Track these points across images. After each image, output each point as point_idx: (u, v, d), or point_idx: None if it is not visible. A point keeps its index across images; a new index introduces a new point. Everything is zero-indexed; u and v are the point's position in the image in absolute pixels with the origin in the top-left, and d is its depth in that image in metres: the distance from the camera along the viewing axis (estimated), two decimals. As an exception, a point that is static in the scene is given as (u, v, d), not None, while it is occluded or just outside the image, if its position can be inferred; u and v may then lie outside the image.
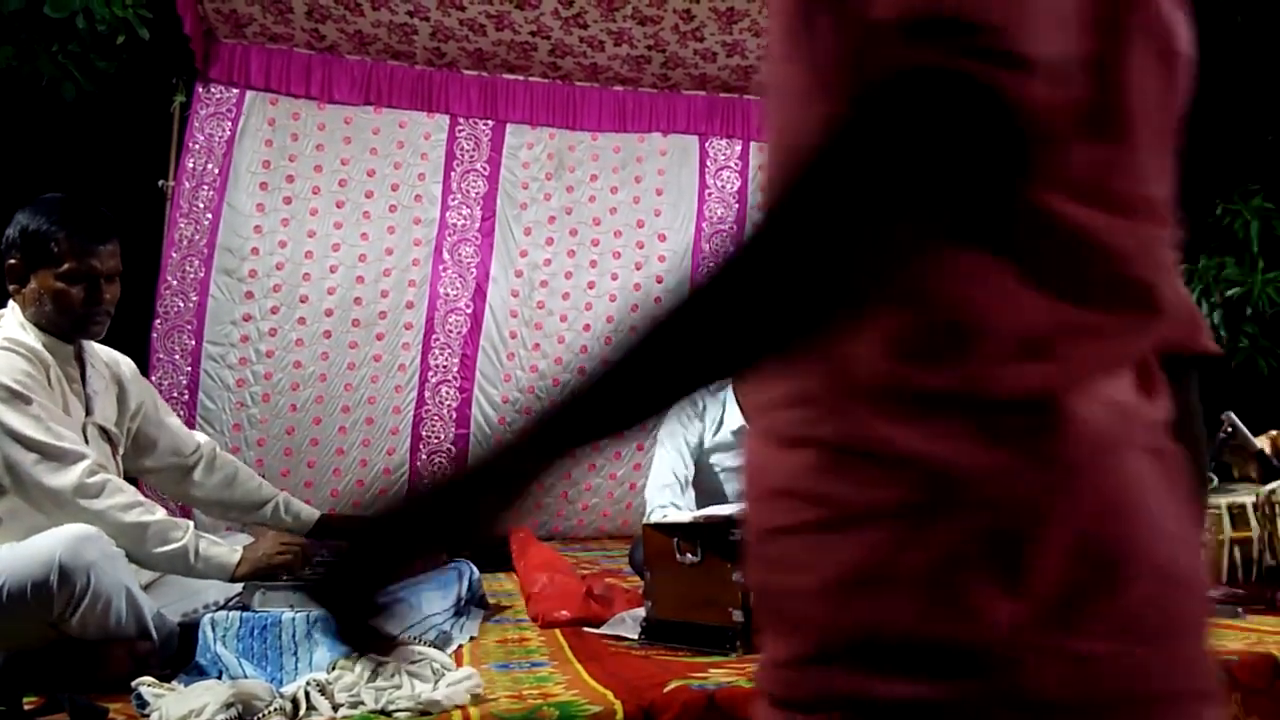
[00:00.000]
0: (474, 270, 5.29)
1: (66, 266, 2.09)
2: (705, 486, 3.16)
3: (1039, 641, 0.50)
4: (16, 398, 1.98)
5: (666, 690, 1.76)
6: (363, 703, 1.68)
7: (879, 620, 0.53)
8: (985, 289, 0.53)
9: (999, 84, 0.45)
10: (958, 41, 0.45)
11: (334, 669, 1.76)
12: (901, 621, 0.52)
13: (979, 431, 0.52)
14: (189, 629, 2.00)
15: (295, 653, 1.90)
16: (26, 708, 1.76)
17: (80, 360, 2.21)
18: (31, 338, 2.09)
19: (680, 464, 3.03)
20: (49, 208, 2.13)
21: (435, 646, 1.91)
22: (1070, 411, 0.53)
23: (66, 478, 1.96)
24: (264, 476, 2.91)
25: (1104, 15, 0.53)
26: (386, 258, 4.71)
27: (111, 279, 2.16)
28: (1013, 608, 0.51)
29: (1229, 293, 5.33)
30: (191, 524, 2.12)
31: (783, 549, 0.59)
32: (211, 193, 4.48)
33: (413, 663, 1.74)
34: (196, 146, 4.45)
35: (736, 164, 5.68)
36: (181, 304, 4.43)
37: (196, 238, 4.46)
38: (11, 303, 2.15)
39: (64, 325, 2.13)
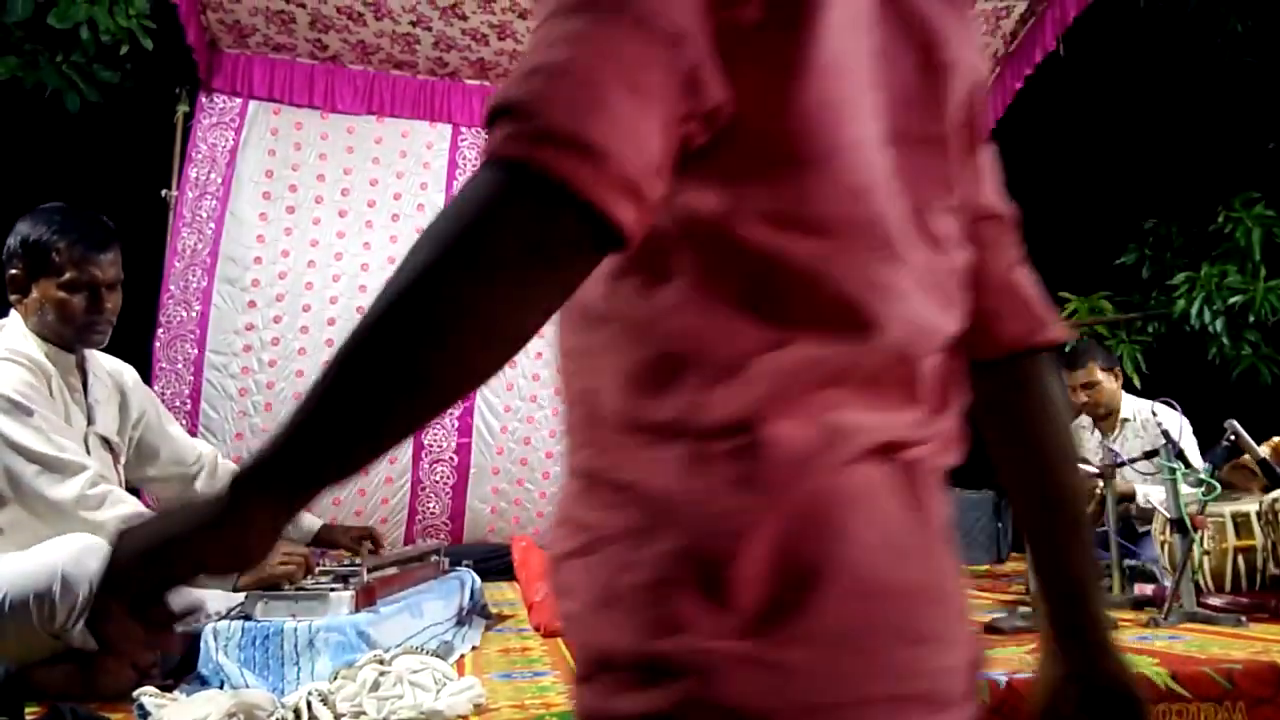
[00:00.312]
0: (476, 279, 5.29)
1: (68, 276, 2.10)
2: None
3: (741, 653, 0.53)
4: (18, 409, 1.98)
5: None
6: (365, 713, 1.68)
7: (612, 639, 0.56)
8: (698, 320, 0.57)
9: (567, 176, 0.49)
10: (523, 129, 0.50)
11: (336, 678, 1.76)
12: (627, 639, 0.56)
13: (691, 458, 0.56)
14: (191, 639, 2.00)
15: (297, 662, 1.90)
16: (29, 717, 1.75)
17: (82, 370, 2.21)
18: (33, 348, 2.10)
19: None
20: (49, 217, 2.13)
21: (437, 656, 1.91)
22: (770, 434, 0.56)
23: (68, 489, 1.96)
24: (266, 486, 2.90)
25: (767, 55, 0.55)
26: (389, 267, 4.68)
27: (113, 287, 2.17)
28: (716, 622, 0.54)
29: (1231, 300, 5.33)
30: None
31: (563, 575, 0.63)
32: (214, 202, 4.49)
33: (415, 672, 1.74)
34: (199, 156, 4.46)
35: (738, 173, 5.70)
36: (184, 313, 4.44)
37: (199, 247, 4.46)
38: (13, 312, 2.15)
39: (66, 334, 2.13)
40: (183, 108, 4.44)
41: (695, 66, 0.53)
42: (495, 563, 3.83)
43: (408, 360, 0.51)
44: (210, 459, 2.45)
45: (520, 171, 0.50)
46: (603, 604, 0.58)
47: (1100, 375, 3.87)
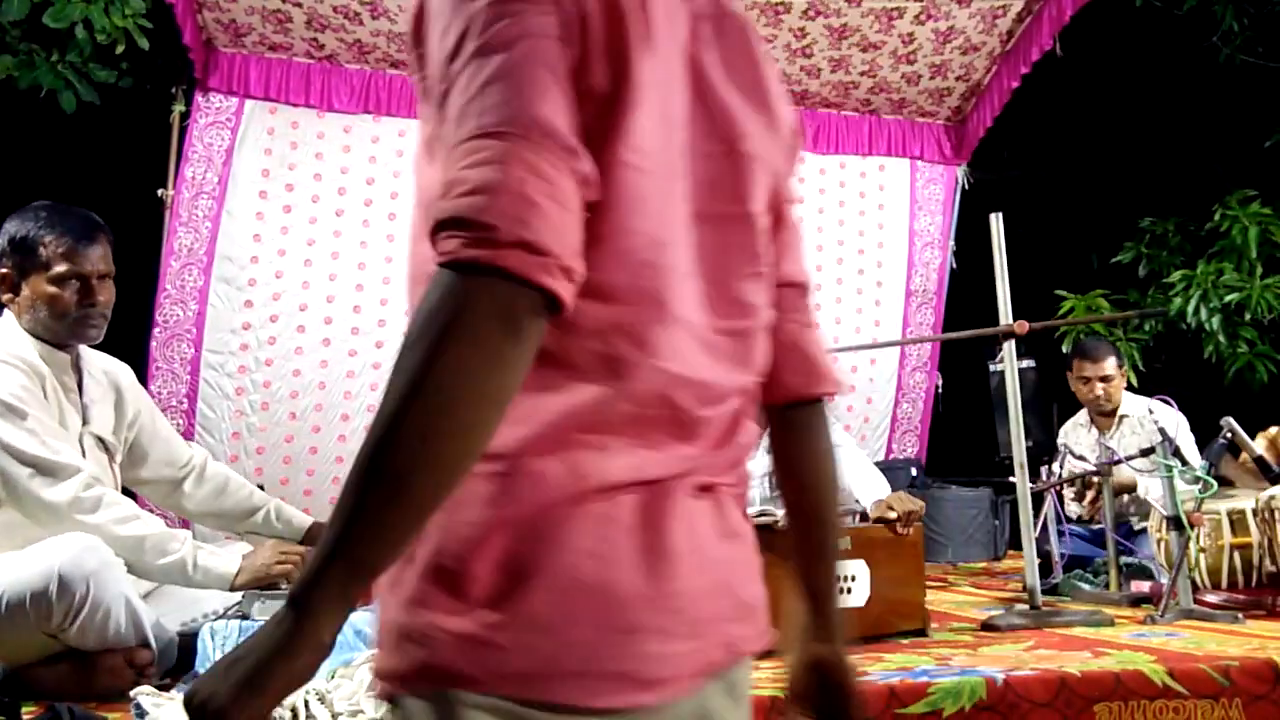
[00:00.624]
0: (473, 278, 5.29)
1: (56, 270, 2.09)
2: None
3: (462, 630, 0.67)
4: (11, 412, 1.97)
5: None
6: (362, 711, 1.68)
7: (387, 614, 0.71)
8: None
9: (519, 270, 0.62)
10: (480, 237, 0.62)
11: (333, 677, 1.76)
12: (392, 614, 0.70)
13: (472, 477, 0.67)
14: (188, 638, 2.00)
15: (295, 661, 1.89)
16: (26, 717, 1.75)
17: (77, 369, 2.21)
18: (27, 349, 2.09)
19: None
20: (34, 214, 2.13)
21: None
22: (524, 466, 0.68)
23: (62, 492, 1.96)
24: (263, 485, 2.89)
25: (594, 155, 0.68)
26: (386, 266, 4.70)
27: (103, 279, 2.16)
28: (451, 605, 0.67)
29: (1227, 298, 5.33)
30: (189, 535, 2.11)
31: None
32: (211, 201, 4.49)
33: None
34: (196, 155, 4.46)
35: (735, 171, 5.69)
36: (181, 312, 4.43)
37: (196, 246, 4.46)
38: (7, 313, 2.14)
39: (60, 330, 2.12)
40: (179, 107, 4.43)
41: (587, 172, 0.67)
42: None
43: (424, 431, 0.62)
44: (200, 463, 2.43)
45: (486, 271, 0.62)
46: (389, 586, 0.70)
47: (1115, 371, 3.91)
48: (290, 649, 0.63)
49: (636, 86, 0.70)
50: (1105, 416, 3.92)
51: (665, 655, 0.70)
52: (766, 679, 1.90)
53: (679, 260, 0.74)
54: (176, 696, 1.75)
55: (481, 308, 0.62)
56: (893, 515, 2.58)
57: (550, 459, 0.69)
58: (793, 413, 0.93)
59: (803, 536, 0.95)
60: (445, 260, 0.63)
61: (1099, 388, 3.86)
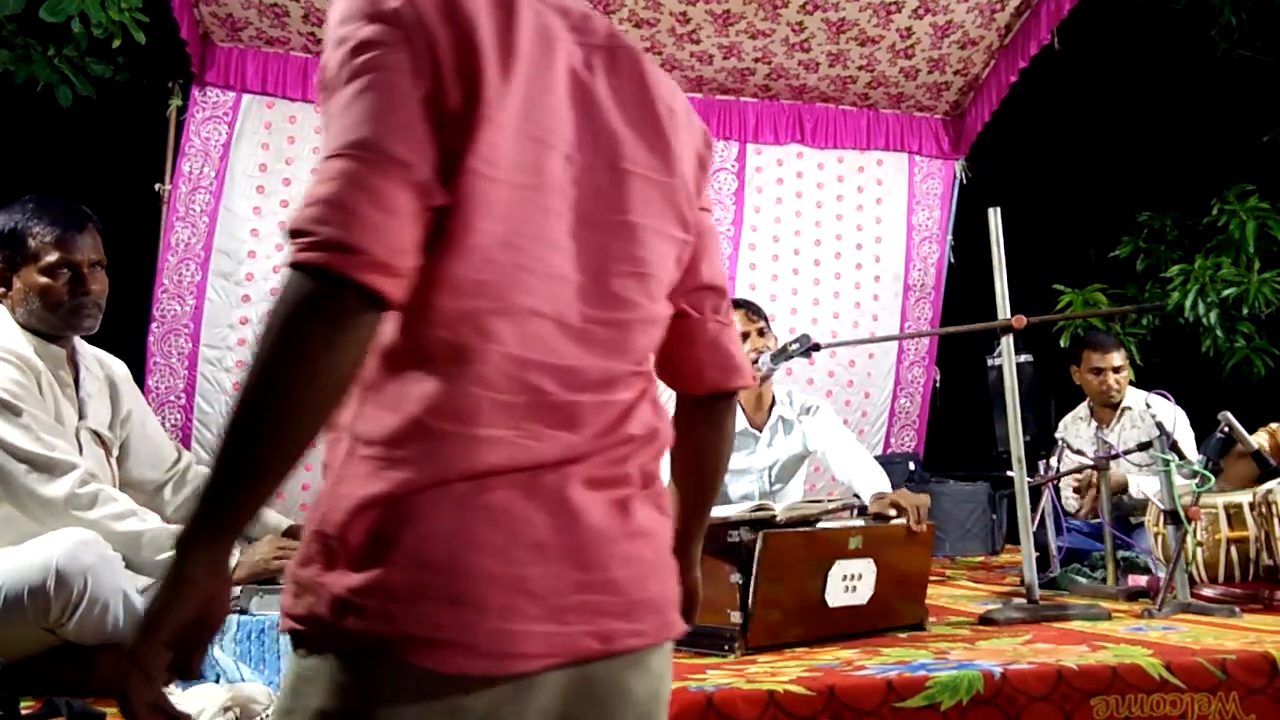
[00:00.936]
0: (471, 273, 5.29)
1: (47, 260, 2.08)
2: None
3: (333, 585, 0.78)
4: (6, 408, 1.96)
5: (665, 692, 1.76)
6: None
7: (291, 565, 0.83)
8: (375, 352, 0.82)
9: (334, 267, 0.73)
10: (310, 242, 0.74)
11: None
12: (293, 566, 0.83)
13: (348, 452, 0.81)
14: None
15: (293, 656, 1.89)
16: (24, 712, 1.75)
17: (73, 363, 2.20)
18: (21, 344, 2.08)
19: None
20: (22, 207, 2.12)
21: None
22: (391, 452, 0.79)
23: (58, 488, 1.95)
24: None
25: (448, 176, 0.80)
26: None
27: (95, 268, 2.15)
28: (329, 563, 0.79)
29: (1225, 293, 5.34)
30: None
31: None
32: (208, 196, 4.48)
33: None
34: (193, 150, 4.45)
35: (733, 165, 5.68)
36: (178, 307, 4.43)
37: (193, 241, 4.45)
38: (1, 308, 2.13)
39: (54, 322, 2.11)
40: (175, 101, 4.42)
41: (424, 183, 0.78)
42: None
43: (263, 408, 0.74)
44: (183, 466, 2.42)
45: (312, 271, 0.73)
46: (301, 544, 0.83)
47: (1124, 362, 3.95)
48: (172, 589, 0.76)
49: (487, 107, 0.81)
50: (1108, 409, 3.92)
51: (514, 633, 0.78)
52: (765, 674, 1.90)
53: (537, 259, 0.84)
54: (175, 691, 1.75)
55: (308, 303, 0.73)
56: (893, 511, 2.58)
57: (415, 445, 0.79)
58: (709, 404, 1.06)
59: (687, 502, 1.10)
60: (288, 264, 0.75)
61: (1111, 378, 3.88)
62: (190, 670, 0.80)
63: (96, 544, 1.90)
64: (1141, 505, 3.53)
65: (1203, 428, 3.14)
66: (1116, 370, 3.90)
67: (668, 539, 0.94)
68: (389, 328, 0.80)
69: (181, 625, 0.77)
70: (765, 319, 3.21)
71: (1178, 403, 3.27)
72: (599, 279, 0.88)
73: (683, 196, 0.96)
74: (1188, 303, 5.40)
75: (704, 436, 1.07)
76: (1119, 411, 3.89)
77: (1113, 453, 3.36)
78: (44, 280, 2.09)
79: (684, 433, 1.05)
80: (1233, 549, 2.77)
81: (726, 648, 2.15)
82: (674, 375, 1.06)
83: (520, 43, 0.84)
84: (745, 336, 3.13)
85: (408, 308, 0.79)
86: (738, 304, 3.27)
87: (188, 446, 4.24)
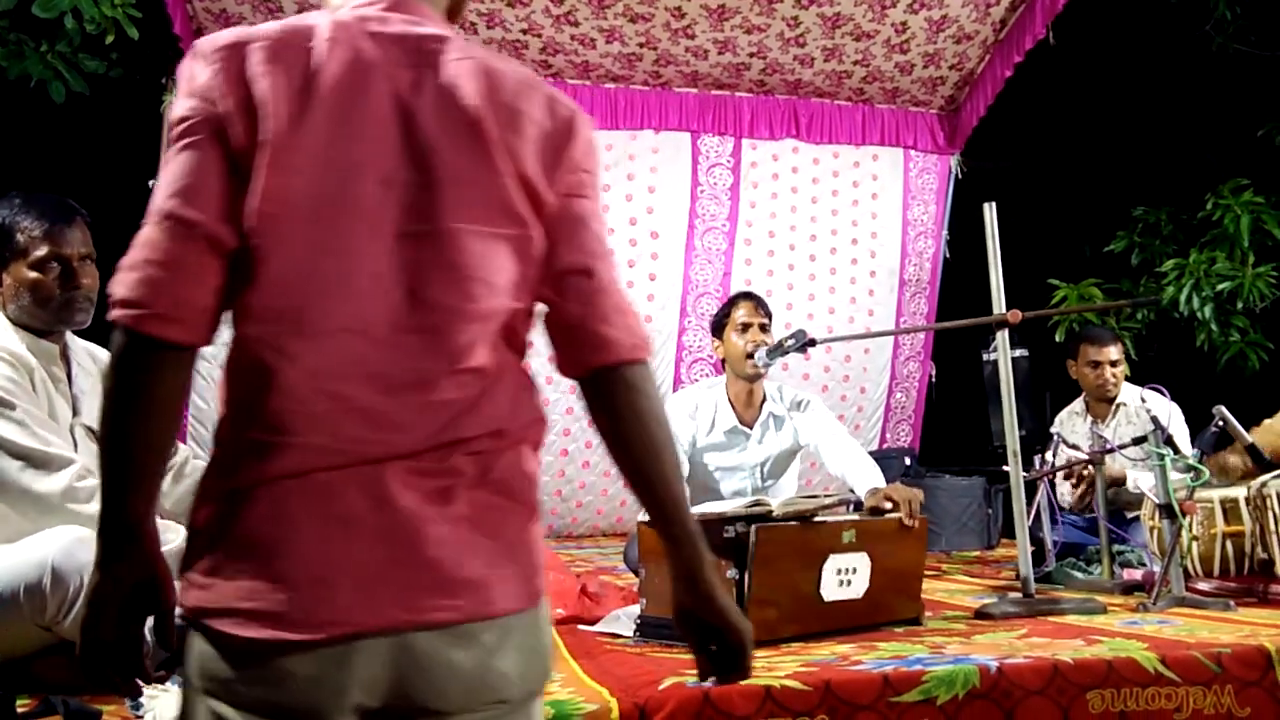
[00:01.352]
0: (466, 269, 5.28)
1: (37, 254, 2.07)
2: (699, 484, 3.16)
3: (191, 576, 0.94)
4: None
5: (662, 688, 1.76)
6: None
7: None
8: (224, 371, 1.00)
9: (127, 322, 0.92)
10: (114, 304, 0.92)
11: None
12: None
13: (211, 454, 0.98)
14: (183, 630, 1.99)
15: (290, 653, 1.89)
16: (20, 710, 1.75)
17: (66, 359, 2.19)
18: (13, 340, 2.07)
19: (674, 462, 3.03)
20: (8, 202, 2.11)
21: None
22: (221, 454, 0.96)
23: (55, 483, 1.94)
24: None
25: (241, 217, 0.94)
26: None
27: (84, 261, 2.14)
28: (190, 555, 0.95)
29: (1219, 287, 5.34)
30: (184, 527, 2.10)
31: None
32: (202, 193, 4.46)
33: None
34: (187, 146, 4.43)
35: (729, 161, 5.68)
36: (173, 304, 4.41)
37: (187, 238, 4.43)
38: None
39: (46, 317, 2.10)
40: (169, 97, 4.40)
41: (212, 234, 0.92)
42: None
43: (108, 431, 0.95)
44: (179, 461, 2.41)
45: (119, 326, 0.92)
46: None
47: (1120, 355, 3.95)
48: (94, 572, 1.00)
49: (275, 154, 0.93)
50: (1104, 404, 3.93)
51: (322, 604, 0.89)
52: (761, 669, 1.90)
53: (341, 281, 0.94)
54: (172, 688, 1.75)
55: (118, 352, 0.92)
56: (888, 505, 2.58)
57: (242, 452, 0.93)
58: (594, 385, 1.05)
59: (631, 485, 1.07)
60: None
61: (1108, 372, 3.89)
62: (168, 641, 1.03)
63: (92, 541, 1.87)
64: (1136, 500, 3.55)
65: (1197, 422, 3.15)
66: (1114, 364, 3.91)
67: (507, 526, 0.97)
68: (229, 352, 0.97)
69: (101, 597, 0.98)
70: (769, 315, 3.22)
71: (1172, 397, 3.28)
72: (414, 288, 0.95)
73: (512, 193, 0.99)
74: (1182, 297, 5.41)
75: (600, 419, 1.05)
76: (1114, 406, 3.90)
77: (1108, 447, 3.37)
78: (34, 275, 2.08)
79: (592, 417, 1.06)
80: (1228, 543, 2.78)
81: (723, 643, 2.15)
82: (557, 362, 1.08)
83: (320, 88, 0.95)
84: (746, 329, 3.13)
85: (235, 335, 0.96)
86: (746, 296, 3.27)
87: (183, 441, 4.22)
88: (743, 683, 1.76)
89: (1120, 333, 5.64)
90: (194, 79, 0.96)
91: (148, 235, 0.93)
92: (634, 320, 1.06)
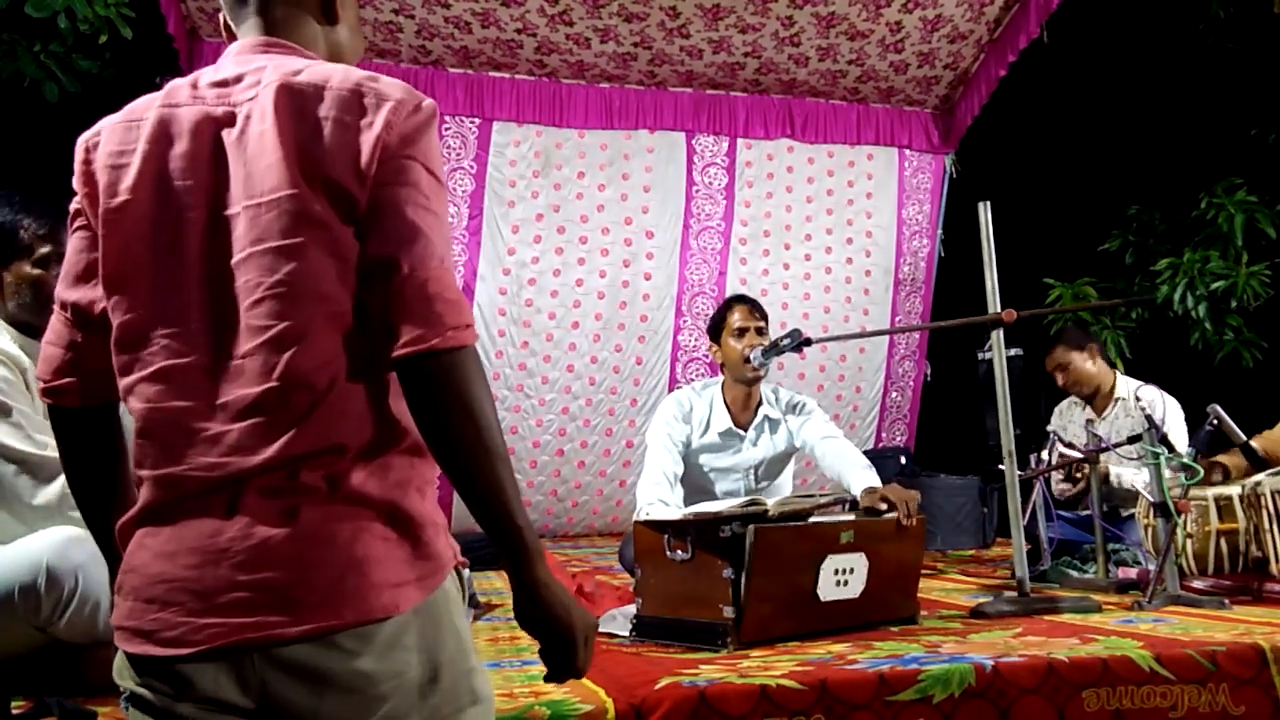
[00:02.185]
0: (462, 269, 5.27)
1: (41, 251, 2.07)
2: (694, 484, 3.16)
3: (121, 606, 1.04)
4: None
5: (658, 687, 1.76)
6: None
7: None
8: None
9: (44, 396, 1.15)
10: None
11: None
12: None
13: None
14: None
15: (285, 654, 1.89)
16: (15, 711, 1.75)
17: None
18: (7, 342, 2.06)
19: (670, 462, 3.03)
20: (8, 200, 2.11)
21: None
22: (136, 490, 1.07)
23: (50, 488, 1.94)
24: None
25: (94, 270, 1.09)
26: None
27: None
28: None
29: (1213, 286, 5.36)
30: None
31: None
32: (196, 193, 4.45)
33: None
34: (181, 146, 4.42)
35: (723, 160, 5.68)
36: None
37: (182, 238, 4.43)
38: None
39: (48, 315, 2.10)
40: (163, 97, 4.39)
41: (79, 308, 1.12)
42: (484, 551, 3.83)
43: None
44: None
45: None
46: None
47: (1072, 355, 3.90)
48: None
49: (106, 225, 1.05)
50: (1092, 398, 3.94)
51: (179, 624, 0.97)
52: (757, 668, 1.90)
53: (174, 324, 1.02)
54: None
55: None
56: (884, 506, 2.58)
57: (139, 485, 1.04)
58: (400, 376, 1.01)
59: (459, 492, 1.02)
60: None
61: (1059, 378, 3.92)
62: None
63: (87, 541, 1.88)
64: (1131, 498, 3.55)
65: (1192, 420, 3.16)
66: (1061, 368, 3.92)
67: (360, 539, 0.98)
68: None
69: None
70: (766, 318, 3.22)
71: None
72: (235, 316, 1.01)
73: (315, 202, 1.00)
74: (1176, 296, 5.42)
75: (414, 411, 1.01)
76: (1112, 401, 3.90)
77: (1103, 445, 3.37)
78: (37, 272, 2.08)
79: (411, 409, 1.03)
80: (1222, 541, 2.79)
81: (719, 642, 2.15)
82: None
83: (144, 154, 1.05)
84: (743, 333, 3.13)
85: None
86: (740, 300, 3.27)
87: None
88: (739, 681, 1.77)
89: (1115, 330, 5.66)
90: (74, 176, 1.11)
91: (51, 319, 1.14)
92: (441, 306, 0.99)
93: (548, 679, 1.08)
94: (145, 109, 1.09)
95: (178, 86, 1.10)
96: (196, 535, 0.98)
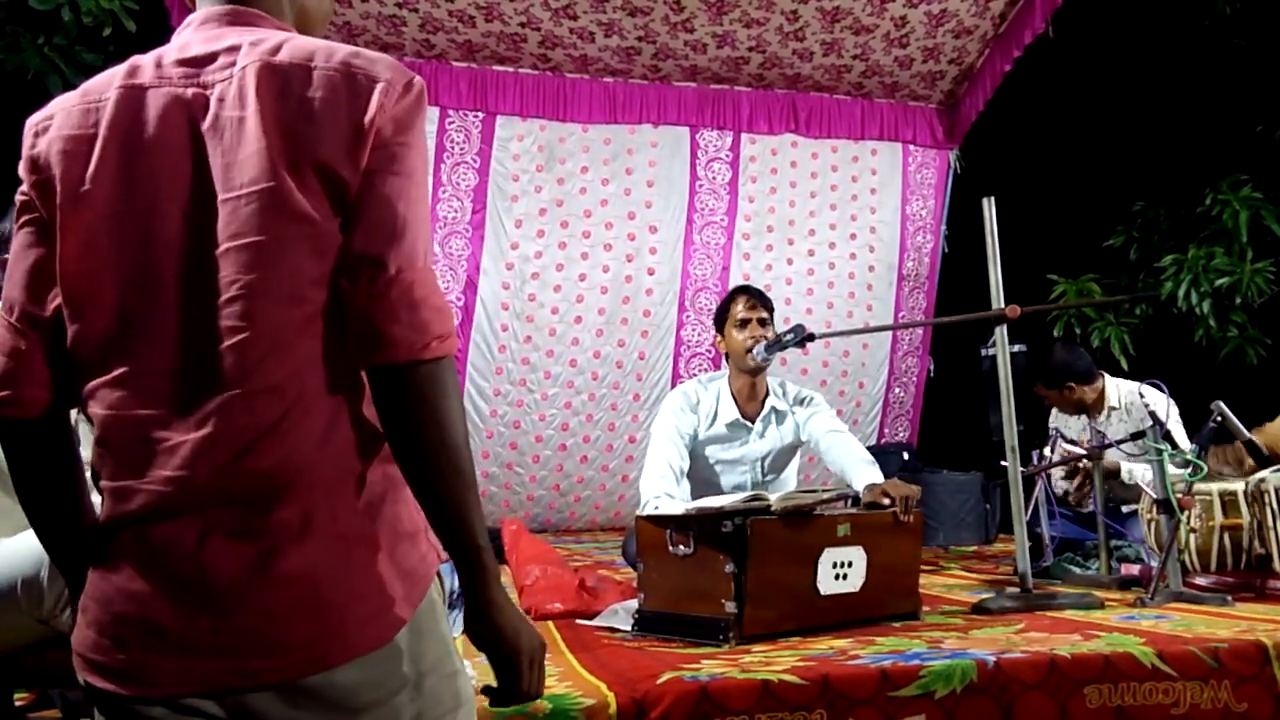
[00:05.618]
0: (464, 263, 5.27)
1: None
2: (699, 477, 3.16)
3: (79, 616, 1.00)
4: None
5: (659, 682, 1.76)
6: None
7: None
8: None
9: None
10: None
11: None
12: None
13: None
14: None
15: (288, 647, 1.89)
16: (18, 704, 1.75)
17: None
18: None
19: (675, 455, 3.02)
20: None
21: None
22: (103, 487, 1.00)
23: None
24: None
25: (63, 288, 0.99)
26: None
27: None
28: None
29: (1218, 283, 5.34)
30: None
31: None
32: (200, 186, 4.45)
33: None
34: (184, 139, 4.42)
35: (727, 155, 5.67)
36: (171, 298, 4.41)
37: (185, 231, 4.43)
38: None
39: None
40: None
41: (27, 313, 1.01)
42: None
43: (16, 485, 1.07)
44: None
45: None
46: None
47: (1081, 391, 3.83)
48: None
49: (66, 220, 0.97)
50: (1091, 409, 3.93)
51: (147, 665, 0.92)
52: (759, 663, 1.90)
53: (141, 324, 0.95)
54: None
55: None
56: (886, 501, 2.58)
57: (102, 497, 0.98)
58: (374, 382, 0.96)
59: (421, 506, 0.99)
60: None
61: (1068, 405, 3.89)
62: None
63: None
64: (1132, 494, 3.55)
65: (1195, 417, 3.15)
66: (1047, 399, 3.91)
67: (345, 570, 0.93)
68: None
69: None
70: (769, 309, 3.20)
71: (1170, 393, 3.28)
72: (208, 319, 0.93)
73: (299, 191, 0.93)
74: (1181, 292, 5.41)
75: (381, 419, 0.96)
76: (1107, 410, 3.88)
77: (1105, 442, 3.37)
78: None
79: (380, 413, 0.97)
80: (1225, 537, 2.78)
81: (721, 637, 2.16)
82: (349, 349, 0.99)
83: (106, 140, 0.97)
84: (745, 324, 3.12)
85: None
86: (744, 290, 3.26)
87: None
88: (741, 677, 1.77)
89: (1119, 327, 5.65)
90: (20, 163, 1.02)
91: None
92: (428, 314, 0.94)
93: (492, 703, 1.03)
94: (104, 88, 1.00)
95: (140, 64, 1.01)
96: (167, 576, 0.92)
